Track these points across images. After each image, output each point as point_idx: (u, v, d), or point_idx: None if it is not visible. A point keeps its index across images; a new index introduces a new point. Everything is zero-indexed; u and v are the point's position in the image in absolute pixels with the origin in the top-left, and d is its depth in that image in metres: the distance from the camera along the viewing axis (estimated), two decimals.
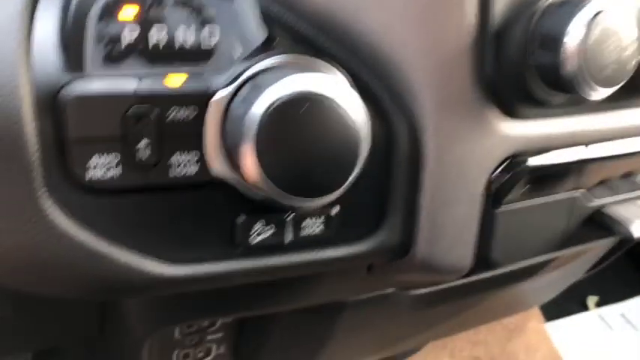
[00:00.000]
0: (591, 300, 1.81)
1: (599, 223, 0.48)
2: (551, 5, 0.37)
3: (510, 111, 0.39)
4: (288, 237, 0.39)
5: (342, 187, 0.34)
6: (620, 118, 0.45)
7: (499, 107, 0.39)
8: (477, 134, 0.39)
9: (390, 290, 0.59)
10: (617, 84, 0.37)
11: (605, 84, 0.36)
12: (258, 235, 0.38)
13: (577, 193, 0.46)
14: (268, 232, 0.38)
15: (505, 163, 0.42)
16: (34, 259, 0.33)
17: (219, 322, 0.66)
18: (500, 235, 0.43)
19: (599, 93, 0.36)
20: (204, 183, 0.35)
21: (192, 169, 0.35)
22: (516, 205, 0.43)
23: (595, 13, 0.35)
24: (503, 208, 0.42)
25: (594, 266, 1.07)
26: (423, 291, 0.63)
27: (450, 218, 0.41)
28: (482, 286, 0.69)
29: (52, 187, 0.32)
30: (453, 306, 0.70)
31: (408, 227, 0.42)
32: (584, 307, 1.78)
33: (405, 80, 0.38)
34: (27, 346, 0.69)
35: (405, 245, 0.42)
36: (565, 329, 1.56)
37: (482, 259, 0.44)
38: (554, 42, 0.35)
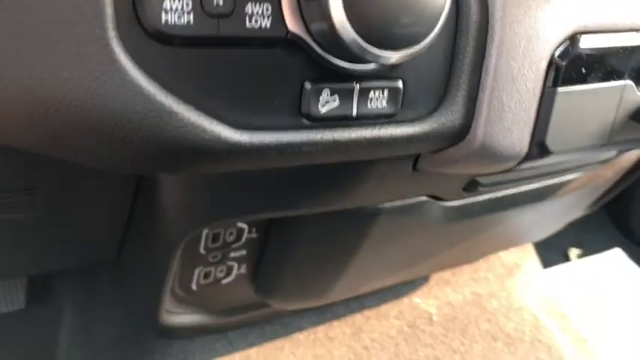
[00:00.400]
0: (573, 252, 1.87)
1: None
2: None
3: None
4: (354, 109, 0.37)
5: (425, 42, 0.33)
6: None
7: None
8: (547, 5, 0.38)
9: (423, 199, 0.59)
10: None
11: None
12: (325, 104, 0.36)
13: (626, 83, 0.46)
14: (335, 103, 0.37)
15: (567, 42, 0.41)
16: (102, 109, 0.31)
17: (244, 237, 0.65)
18: (557, 118, 0.43)
19: None
20: (278, 40, 0.33)
21: (266, 22, 0.33)
22: (574, 87, 0.42)
23: None
24: (563, 88, 0.42)
25: (595, 202, 1.09)
26: (451, 203, 0.63)
27: (511, 97, 0.41)
28: (505, 204, 0.69)
29: (124, 32, 0.30)
30: (474, 224, 0.70)
31: (469, 106, 0.41)
32: (567, 259, 1.84)
33: None
34: (40, 265, 0.67)
35: (464, 126, 0.41)
36: (553, 276, 1.61)
37: (538, 143, 0.43)
38: None
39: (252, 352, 0.88)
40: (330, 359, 0.91)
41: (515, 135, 0.42)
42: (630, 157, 0.77)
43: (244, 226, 0.63)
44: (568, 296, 1.31)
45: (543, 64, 0.41)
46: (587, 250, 1.86)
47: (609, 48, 0.43)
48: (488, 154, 0.43)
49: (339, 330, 0.96)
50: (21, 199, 0.47)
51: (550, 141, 0.44)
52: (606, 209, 1.98)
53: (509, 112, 0.41)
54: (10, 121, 0.32)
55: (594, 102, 0.45)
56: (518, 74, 0.40)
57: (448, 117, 0.41)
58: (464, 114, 0.41)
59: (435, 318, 1.04)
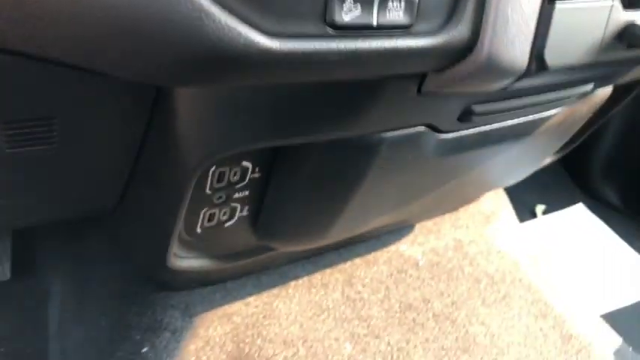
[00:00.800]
0: (539, 208, 1.96)
1: (630, 36, 0.52)
2: None
3: None
4: (374, 18, 0.40)
5: None
6: None
7: None
8: None
9: (421, 129, 0.62)
10: None
11: None
12: (348, 12, 0.39)
13: (613, 3, 0.50)
14: (357, 12, 0.39)
15: None
16: (143, 8, 0.32)
17: (247, 177, 0.67)
18: (554, 33, 0.46)
19: None
20: None
21: None
22: (569, 3, 0.46)
23: None
24: (560, 4, 0.45)
25: (563, 147, 1.15)
26: (445, 136, 0.66)
27: (515, 10, 0.44)
28: (492, 139, 0.73)
29: None
30: (463, 159, 0.74)
31: (477, 19, 0.44)
32: (534, 216, 1.94)
33: None
34: (51, 214, 0.67)
35: (472, 40, 0.44)
36: (525, 229, 1.69)
37: (537, 57, 0.47)
38: None
39: (251, 299, 0.91)
40: (326, 304, 0.94)
41: (518, 49, 0.46)
42: (602, 94, 0.83)
43: (248, 164, 0.65)
44: (541, 244, 1.38)
45: None
46: (552, 207, 1.96)
47: None
48: (492, 68, 0.46)
49: (332, 277, 0.99)
50: (40, 130, 0.47)
51: (548, 55, 0.47)
52: (566, 168, 2.08)
53: (512, 26, 0.44)
54: (48, 21, 0.33)
55: (586, 19, 0.49)
56: None
57: (458, 30, 0.44)
58: (472, 27, 0.44)
59: (420, 263, 1.08)
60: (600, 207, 1.97)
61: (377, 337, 0.92)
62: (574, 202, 1.98)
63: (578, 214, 1.95)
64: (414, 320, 0.96)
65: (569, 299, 1.11)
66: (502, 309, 1.02)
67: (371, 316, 0.95)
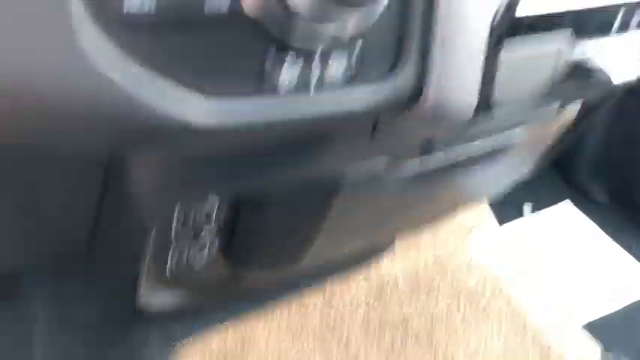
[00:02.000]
0: (526, 206, 1.98)
1: (581, 72, 0.52)
2: None
3: None
4: (316, 74, 0.40)
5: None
6: None
7: None
8: None
9: (383, 159, 0.62)
10: None
11: None
12: (287, 71, 0.39)
13: (562, 44, 0.51)
14: (296, 69, 0.39)
15: (506, 6, 0.45)
16: (63, 93, 0.32)
17: (215, 211, 0.67)
18: (501, 77, 0.47)
19: None
20: (237, 17, 0.36)
21: (225, 3, 0.35)
22: (516, 45, 0.47)
23: None
24: (505, 48, 0.46)
25: (543, 158, 1.16)
26: (409, 163, 0.66)
27: (459, 58, 0.44)
28: (458, 163, 0.74)
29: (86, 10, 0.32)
30: (431, 183, 0.75)
31: (422, 66, 0.44)
32: (521, 214, 1.96)
33: None
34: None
35: (418, 86, 0.45)
36: (509, 232, 1.71)
37: (485, 98, 0.47)
38: None
39: (229, 328, 0.91)
40: (305, 327, 0.95)
41: (465, 94, 0.46)
42: (572, 112, 0.83)
43: (215, 200, 0.65)
44: (524, 249, 1.39)
45: (485, 27, 0.44)
46: (540, 204, 1.98)
47: (548, 12, 0.47)
48: (439, 114, 0.46)
49: (311, 299, 1.00)
50: None
51: (496, 95, 0.48)
52: (553, 165, 2.10)
53: (458, 72, 0.45)
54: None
55: (533, 63, 0.49)
56: (465, 32, 0.44)
57: (403, 78, 0.44)
58: (417, 74, 0.44)
59: (400, 281, 1.09)
60: (588, 203, 1.99)
61: (357, 359, 0.92)
62: (562, 199, 1.99)
63: (565, 211, 1.96)
64: (393, 341, 0.96)
65: (549, 310, 1.12)
66: (481, 325, 1.03)
67: (350, 337, 0.95)
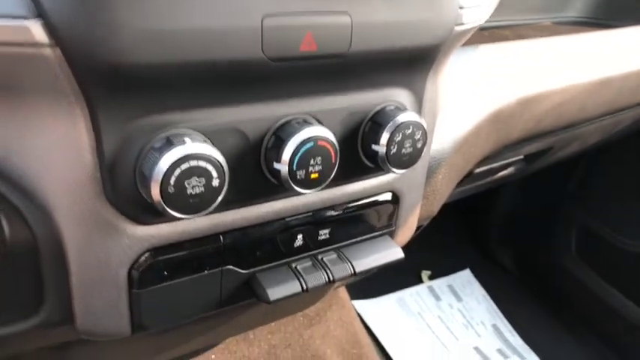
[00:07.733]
0: (425, 274, 2.06)
1: (250, 287, 0.61)
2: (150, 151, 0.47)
3: (136, 220, 0.51)
4: None
5: None
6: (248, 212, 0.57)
7: (128, 218, 0.50)
8: (111, 239, 0.50)
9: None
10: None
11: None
12: None
13: (227, 267, 0.59)
14: None
15: (144, 256, 0.53)
16: None
17: None
18: (148, 308, 0.55)
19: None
20: None
21: None
22: (160, 284, 0.55)
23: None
24: (146, 289, 0.54)
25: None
26: None
27: (100, 298, 0.53)
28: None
29: None
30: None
31: (65, 305, 0.53)
32: (420, 280, 2.03)
33: (44, 203, 0.48)
34: None
35: (67, 318, 0.53)
36: (396, 302, 1.78)
37: (137, 325, 0.56)
38: (147, 180, 0.46)
39: None
40: None
41: (113, 322, 0.55)
42: None
43: None
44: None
45: (122, 277, 0.52)
46: (442, 270, 2.05)
47: (183, 254, 0.55)
48: (94, 335, 0.55)
49: None
50: None
51: (148, 322, 0.56)
52: (464, 231, 2.17)
53: (101, 309, 0.53)
54: None
55: (191, 287, 0.57)
56: (101, 285, 0.52)
57: (49, 314, 0.52)
58: (63, 310, 0.53)
59: None
60: (496, 269, 2.08)
61: None
62: (468, 265, 2.08)
63: (463, 280, 2.05)
64: None
65: None
66: None
67: None
